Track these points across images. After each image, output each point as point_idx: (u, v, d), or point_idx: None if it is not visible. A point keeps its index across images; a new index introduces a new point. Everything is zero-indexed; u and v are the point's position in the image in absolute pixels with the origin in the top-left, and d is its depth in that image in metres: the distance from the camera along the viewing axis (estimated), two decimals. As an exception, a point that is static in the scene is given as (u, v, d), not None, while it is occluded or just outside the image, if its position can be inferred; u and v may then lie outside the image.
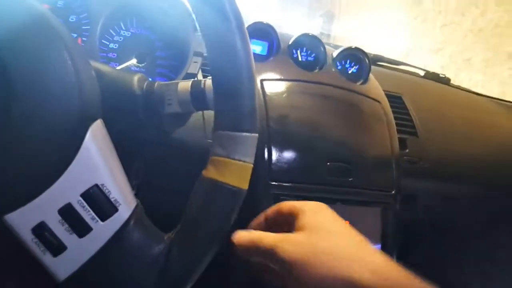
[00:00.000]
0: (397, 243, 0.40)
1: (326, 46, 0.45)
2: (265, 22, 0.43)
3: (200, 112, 0.35)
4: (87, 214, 0.19)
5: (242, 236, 0.24)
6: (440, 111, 0.59)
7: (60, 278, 0.19)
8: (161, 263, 0.20)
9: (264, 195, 0.34)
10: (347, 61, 0.47)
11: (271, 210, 0.26)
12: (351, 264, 0.20)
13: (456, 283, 0.59)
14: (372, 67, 0.47)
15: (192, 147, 0.34)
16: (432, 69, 0.73)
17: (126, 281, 0.20)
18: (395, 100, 0.54)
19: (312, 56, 0.45)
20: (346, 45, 0.47)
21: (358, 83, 0.45)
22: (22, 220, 0.18)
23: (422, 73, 0.71)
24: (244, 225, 0.36)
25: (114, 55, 0.37)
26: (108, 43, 0.37)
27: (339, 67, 0.46)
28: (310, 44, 0.45)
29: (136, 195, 0.22)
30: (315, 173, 0.37)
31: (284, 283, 0.23)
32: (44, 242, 0.19)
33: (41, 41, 0.19)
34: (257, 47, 0.43)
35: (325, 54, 0.44)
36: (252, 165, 0.22)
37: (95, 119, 0.20)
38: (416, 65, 0.73)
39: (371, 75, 0.47)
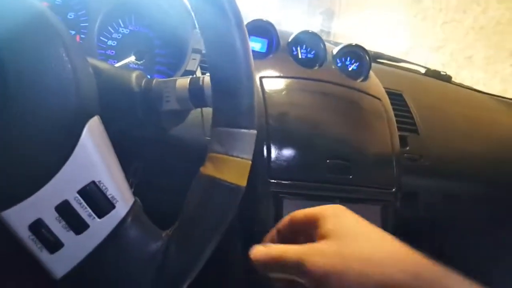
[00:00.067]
0: (398, 241, 0.40)
1: (326, 43, 0.45)
2: (264, 20, 0.42)
3: (199, 110, 0.35)
4: (84, 211, 0.19)
5: (260, 251, 0.22)
6: (441, 109, 0.59)
7: (58, 275, 0.19)
8: (159, 260, 0.20)
9: (263, 193, 0.34)
10: (347, 58, 0.47)
11: (283, 222, 0.25)
12: (387, 269, 0.18)
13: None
14: (373, 64, 0.47)
15: (190, 145, 0.34)
16: (433, 67, 0.72)
17: (124, 278, 0.20)
18: (396, 98, 0.53)
19: (312, 53, 0.45)
20: (346, 42, 0.47)
21: (359, 80, 0.45)
22: (19, 217, 0.18)
23: (423, 70, 0.71)
24: (244, 224, 0.36)
25: (112, 52, 0.37)
26: (106, 41, 0.36)
27: (339, 64, 0.45)
28: (310, 41, 0.44)
29: (134, 192, 0.22)
30: (314, 170, 0.37)
31: None
32: (41, 239, 0.18)
33: (39, 38, 0.19)
34: (256, 45, 0.43)
35: (325, 51, 0.44)
36: (250, 162, 0.22)
37: (92, 116, 0.20)
38: (417, 63, 0.72)
39: (371, 72, 0.47)
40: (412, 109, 0.54)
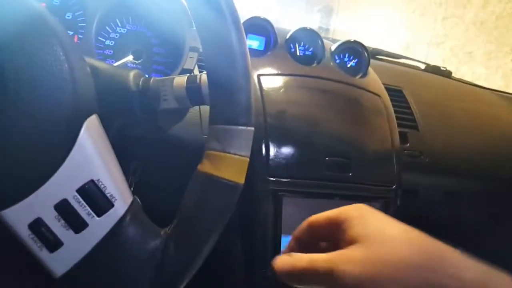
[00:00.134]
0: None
1: (324, 40, 0.45)
2: (262, 17, 0.42)
3: (197, 108, 0.35)
4: (83, 209, 0.19)
5: (284, 261, 0.20)
6: (441, 104, 0.58)
7: (57, 274, 0.19)
8: (158, 259, 0.20)
9: (262, 191, 0.34)
10: (345, 54, 0.46)
11: (300, 229, 0.23)
12: (424, 272, 0.17)
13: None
14: (372, 60, 0.47)
15: (189, 143, 0.34)
16: (433, 63, 0.72)
17: (122, 277, 0.20)
18: (396, 94, 0.53)
19: (310, 50, 0.45)
20: (344, 39, 0.46)
21: (357, 77, 0.44)
22: (18, 216, 0.18)
23: (422, 66, 0.71)
24: (243, 222, 0.36)
25: (110, 52, 0.37)
26: (104, 40, 0.37)
27: (338, 61, 0.45)
28: (308, 38, 0.44)
29: (134, 191, 0.22)
30: (313, 168, 0.37)
31: None
32: (40, 238, 0.19)
33: (36, 38, 0.19)
34: (254, 42, 0.43)
35: (323, 48, 0.44)
36: (248, 159, 0.22)
37: (90, 115, 0.20)
38: (417, 59, 0.72)
39: (370, 69, 0.47)
40: (412, 105, 0.54)
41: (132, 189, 0.24)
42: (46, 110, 0.18)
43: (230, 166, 0.21)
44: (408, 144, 0.50)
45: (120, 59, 0.36)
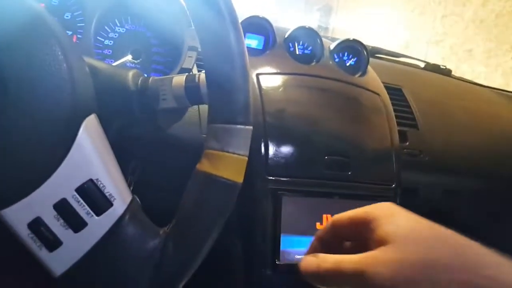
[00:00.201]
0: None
1: (323, 39, 0.45)
2: (260, 16, 0.42)
3: (196, 108, 0.35)
4: (82, 209, 0.19)
5: (311, 262, 0.20)
6: (441, 103, 0.58)
7: (57, 274, 0.19)
8: (157, 258, 0.20)
9: (261, 190, 0.34)
10: (344, 53, 0.46)
11: (323, 229, 0.23)
12: (462, 274, 0.16)
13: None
14: (371, 59, 0.47)
15: (188, 143, 0.34)
16: (432, 61, 0.72)
17: (121, 276, 0.20)
18: (395, 92, 0.53)
19: (309, 49, 0.45)
20: (344, 37, 0.46)
21: (357, 76, 0.44)
22: (18, 215, 0.18)
23: (422, 64, 0.71)
24: (242, 222, 0.36)
25: (109, 52, 0.37)
26: (103, 40, 0.37)
27: (337, 60, 0.45)
28: (307, 37, 0.44)
29: (133, 191, 0.22)
30: (313, 167, 0.37)
31: None
32: (40, 238, 0.19)
33: (35, 39, 0.19)
34: (253, 41, 0.43)
35: (322, 47, 0.44)
36: (246, 158, 0.22)
37: (89, 114, 0.20)
38: (416, 57, 0.72)
39: (369, 67, 0.46)
40: (412, 104, 0.54)
41: (131, 188, 0.24)
42: (45, 110, 0.18)
43: (229, 165, 0.21)
44: (407, 143, 0.50)
45: (119, 58, 0.36)
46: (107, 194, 0.20)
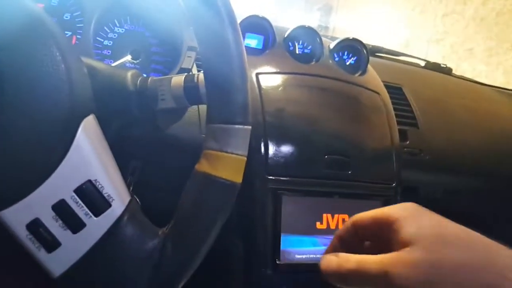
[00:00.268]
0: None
1: (323, 38, 0.45)
2: (260, 16, 0.42)
3: (196, 108, 0.35)
4: (80, 210, 0.19)
5: (332, 262, 0.20)
6: (441, 102, 0.58)
7: (55, 274, 0.19)
8: (155, 259, 0.20)
9: (261, 189, 0.34)
10: (344, 52, 0.46)
11: (343, 228, 0.22)
12: (489, 277, 0.16)
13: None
14: (371, 58, 0.47)
15: (187, 143, 0.34)
16: (433, 60, 0.72)
17: (120, 277, 0.20)
18: (395, 91, 0.53)
19: (309, 48, 0.45)
20: (344, 37, 0.46)
21: (356, 75, 0.44)
22: (16, 216, 0.18)
23: (422, 63, 0.70)
24: (242, 221, 0.36)
25: (108, 52, 0.37)
26: (102, 40, 0.37)
27: (337, 59, 0.45)
28: (307, 36, 0.44)
29: (132, 191, 0.22)
30: (313, 166, 0.36)
31: None
32: (38, 239, 0.19)
33: (33, 39, 0.19)
34: (252, 41, 0.43)
35: (322, 46, 0.43)
36: (245, 158, 0.22)
37: (87, 115, 0.20)
38: (416, 56, 0.72)
39: (369, 66, 0.46)
40: (412, 103, 0.54)
41: (131, 189, 0.24)
42: (43, 111, 0.18)
43: (228, 165, 0.21)
44: (407, 142, 0.50)
45: (119, 59, 0.36)
46: (105, 195, 0.20)
